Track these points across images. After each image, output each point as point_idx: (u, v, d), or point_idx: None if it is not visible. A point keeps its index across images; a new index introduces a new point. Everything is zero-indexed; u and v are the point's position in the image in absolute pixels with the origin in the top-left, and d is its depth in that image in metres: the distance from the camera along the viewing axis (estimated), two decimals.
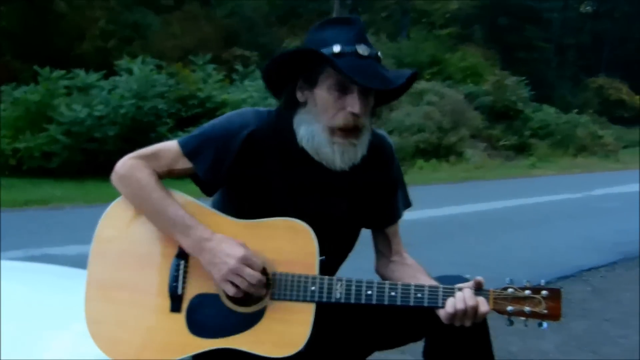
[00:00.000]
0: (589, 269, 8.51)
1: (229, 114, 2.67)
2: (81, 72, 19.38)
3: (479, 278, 2.45)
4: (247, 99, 20.58)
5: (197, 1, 32.35)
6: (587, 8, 66.18)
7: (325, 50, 2.44)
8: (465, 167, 24.73)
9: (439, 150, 25.42)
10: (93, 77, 19.34)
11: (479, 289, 2.43)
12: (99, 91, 18.75)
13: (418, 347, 2.86)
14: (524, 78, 36.59)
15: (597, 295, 7.37)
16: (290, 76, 2.56)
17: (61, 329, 2.61)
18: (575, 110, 37.89)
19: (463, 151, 26.60)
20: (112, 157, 12.80)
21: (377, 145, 2.71)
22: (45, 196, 13.60)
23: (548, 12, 55.40)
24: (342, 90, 2.45)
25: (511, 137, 31.81)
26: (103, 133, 17.56)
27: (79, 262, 3.71)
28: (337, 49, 2.44)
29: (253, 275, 2.36)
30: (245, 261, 2.37)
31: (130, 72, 19.30)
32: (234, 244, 2.40)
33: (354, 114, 2.44)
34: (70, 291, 3.08)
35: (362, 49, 2.45)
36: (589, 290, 7.54)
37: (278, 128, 2.58)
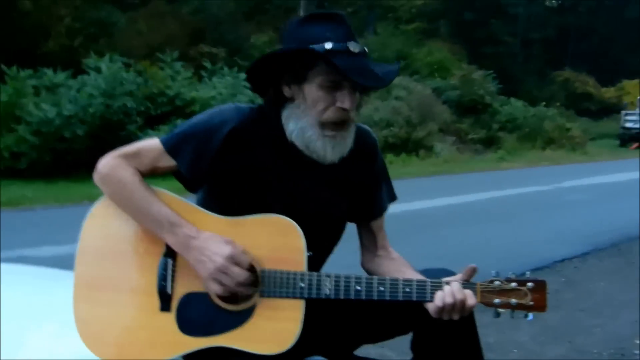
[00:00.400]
0: (562, 260, 8.61)
1: (210, 111, 2.67)
2: (49, 71, 19.19)
3: (473, 265, 2.48)
4: (216, 96, 20.53)
5: None
6: (552, 2, 66.63)
7: (316, 47, 2.45)
8: (435, 161, 24.83)
9: (408, 145, 25.46)
10: (61, 76, 19.15)
11: (467, 281, 2.46)
12: (67, 90, 18.56)
13: (397, 342, 2.89)
14: (491, 72, 36.80)
15: (570, 286, 7.45)
16: (276, 72, 2.56)
17: (35, 330, 2.60)
18: (543, 104, 38.13)
19: (432, 145, 26.69)
20: (81, 157, 12.75)
21: (362, 140, 2.72)
22: (15, 197, 13.48)
23: (513, 7, 55.76)
24: (334, 86, 2.47)
25: (479, 131, 31.98)
26: (72, 132, 17.39)
27: (54, 263, 3.71)
28: (329, 46, 2.45)
29: (240, 274, 2.36)
30: (233, 259, 2.37)
31: (98, 70, 19.12)
32: (221, 241, 2.40)
33: (344, 109, 2.46)
34: (45, 291, 3.08)
35: (352, 46, 2.48)
36: (563, 282, 7.61)
37: (263, 123, 2.58)
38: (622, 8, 62.37)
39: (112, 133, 17.91)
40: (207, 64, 23.66)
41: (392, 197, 2.91)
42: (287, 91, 2.55)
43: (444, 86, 33.43)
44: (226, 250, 2.37)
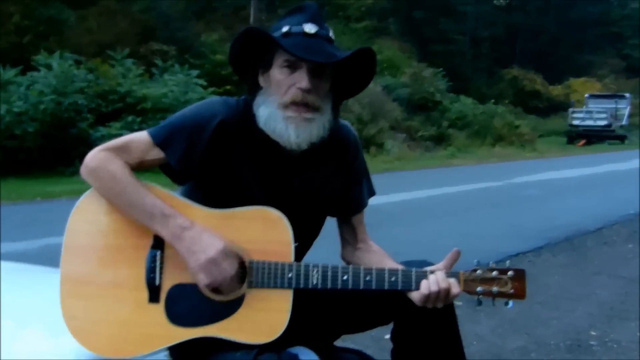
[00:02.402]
0: (517, 255, 8.71)
1: (197, 104, 2.68)
2: None
3: (456, 249, 2.53)
4: (168, 94, 20.53)
5: None
6: (501, 1, 67.16)
7: (275, 34, 2.51)
8: (386, 158, 24.92)
9: None
10: (10, 72, 18.89)
11: (453, 266, 2.51)
12: (16, 87, 18.42)
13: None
14: (440, 70, 37.11)
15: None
16: (252, 63, 2.60)
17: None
18: (492, 101, 38.51)
19: (383, 142, 26.83)
20: (32, 154, 12.62)
21: (342, 136, 2.76)
22: None
23: (462, 5, 56.11)
24: (292, 67, 2.49)
25: (430, 128, 32.20)
26: (22, 130, 17.21)
27: (11, 260, 3.67)
28: (285, 29, 2.51)
29: (230, 268, 2.38)
30: (225, 253, 2.39)
31: (48, 67, 18.93)
32: (215, 235, 2.42)
33: (302, 90, 2.47)
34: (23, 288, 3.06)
35: (308, 27, 2.50)
36: None
37: (245, 116, 2.60)
38: (570, 8, 63.17)
39: (63, 130, 17.83)
40: (159, 62, 23.57)
41: (372, 192, 2.93)
42: (261, 81, 2.59)
43: (395, 84, 33.58)
44: (220, 243, 2.39)
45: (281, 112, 2.50)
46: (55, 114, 17.93)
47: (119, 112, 19.68)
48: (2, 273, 3.08)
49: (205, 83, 22.46)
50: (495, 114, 36.03)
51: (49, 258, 3.06)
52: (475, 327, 5.77)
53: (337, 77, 2.61)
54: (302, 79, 2.47)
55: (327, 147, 2.63)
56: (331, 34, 2.59)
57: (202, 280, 2.38)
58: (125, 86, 20.48)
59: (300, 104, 2.50)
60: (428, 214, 12.33)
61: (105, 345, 2.42)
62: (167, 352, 2.53)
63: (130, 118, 19.20)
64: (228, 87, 23.67)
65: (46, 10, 25.79)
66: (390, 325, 2.81)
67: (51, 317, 2.52)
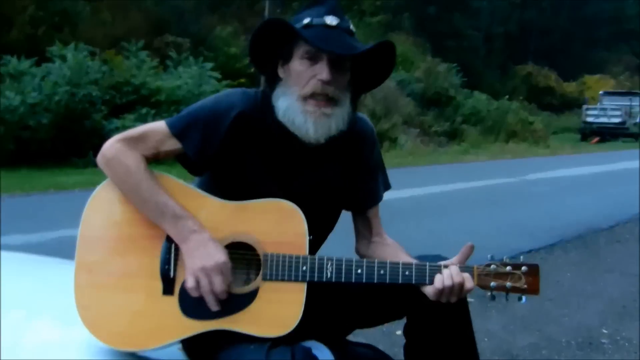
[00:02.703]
0: (529, 251, 8.67)
1: (216, 95, 2.69)
2: (13, 59, 18.96)
3: (470, 243, 2.54)
4: (182, 86, 20.50)
5: None
6: None
7: (297, 25, 2.52)
8: (399, 153, 24.84)
9: None
10: (25, 64, 18.91)
11: (467, 261, 2.51)
12: (31, 78, 18.39)
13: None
14: (454, 65, 36.96)
15: None
16: (272, 54, 2.61)
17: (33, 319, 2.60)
18: (506, 97, 38.35)
19: (396, 137, 26.74)
20: (46, 145, 12.59)
21: (360, 129, 2.78)
22: None
23: (477, 1, 55.95)
24: (312, 59, 2.51)
25: (443, 124, 32.05)
26: (36, 121, 17.20)
27: (23, 251, 3.68)
28: (306, 21, 2.52)
29: (219, 285, 2.39)
30: (221, 269, 2.39)
31: (63, 59, 18.96)
32: (219, 248, 2.42)
33: (322, 81, 2.48)
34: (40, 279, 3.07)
35: (329, 20, 2.52)
36: None
37: (263, 107, 2.61)
38: (584, 4, 62.95)
39: (77, 122, 17.85)
40: (173, 54, 23.57)
41: (387, 186, 2.96)
42: (281, 72, 2.60)
43: (408, 79, 33.45)
44: (220, 257, 2.40)
45: (301, 104, 2.52)
46: (69, 106, 17.94)
47: (132, 104, 19.69)
48: (6, 263, 3.09)
49: (219, 76, 22.43)
50: (509, 110, 35.84)
51: (62, 250, 3.07)
52: (486, 323, 5.78)
53: (357, 70, 2.61)
54: (322, 71, 2.48)
55: (344, 140, 2.65)
56: (351, 26, 2.60)
57: (188, 283, 2.39)
58: (139, 78, 20.48)
59: (320, 97, 2.51)
60: (440, 210, 12.30)
61: (118, 337, 2.41)
62: (179, 345, 2.53)
63: (144, 110, 19.18)
64: (242, 80, 23.68)
65: (60, 2, 25.82)
66: (402, 321, 2.81)
67: (61, 308, 2.54)
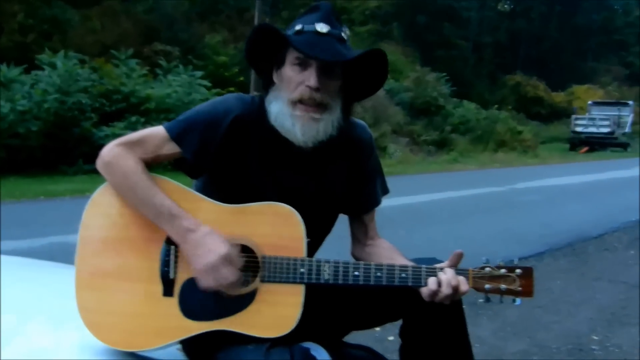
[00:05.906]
0: (519, 259, 8.67)
1: (213, 100, 2.71)
2: (2, 67, 18.99)
3: (459, 251, 2.56)
4: (172, 94, 20.58)
5: None
6: (504, 7, 67.22)
7: (289, 32, 2.56)
8: (388, 162, 24.83)
9: None
10: (15, 71, 18.94)
11: (457, 267, 2.52)
12: (20, 86, 18.42)
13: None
14: (444, 74, 37.16)
15: None
16: (267, 59, 2.65)
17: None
18: (495, 107, 38.50)
19: (386, 146, 26.78)
20: (35, 153, 12.57)
21: (358, 135, 2.81)
22: None
23: (466, 11, 56.21)
24: (302, 65, 2.53)
25: (432, 133, 32.18)
26: (26, 128, 17.21)
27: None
28: (298, 27, 2.55)
29: (229, 275, 2.39)
30: (227, 259, 2.40)
31: (52, 66, 18.97)
32: (218, 240, 2.42)
33: (310, 88, 2.50)
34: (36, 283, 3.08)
35: (320, 27, 2.53)
36: None
37: (259, 112, 2.63)
38: (573, 15, 63.26)
39: (67, 130, 17.84)
40: (162, 62, 23.61)
41: (385, 190, 2.98)
42: (275, 77, 2.63)
43: (397, 88, 33.56)
44: (222, 249, 2.40)
45: (290, 109, 2.53)
46: (58, 113, 17.95)
47: (122, 112, 19.70)
48: (3, 267, 3.09)
49: (209, 84, 22.51)
50: (498, 120, 36.02)
51: (52, 256, 3.08)
52: (477, 329, 5.79)
53: (350, 77, 2.63)
54: (310, 77, 2.50)
55: (340, 145, 2.68)
56: (344, 34, 2.61)
57: (201, 283, 2.40)
58: (128, 86, 20.51)
59: (309, 102, 2.52)
60: (430, 219, 12.34)
61: (119, 338, 2.43)
62: (179, 346, 2.54)
63: (133, 118, 19.19)
64: (232, 88, 23.67)
65: (49, 10, 25.87)
66: (395, 326, 2.83)
67: (55, 311, 2.54)
